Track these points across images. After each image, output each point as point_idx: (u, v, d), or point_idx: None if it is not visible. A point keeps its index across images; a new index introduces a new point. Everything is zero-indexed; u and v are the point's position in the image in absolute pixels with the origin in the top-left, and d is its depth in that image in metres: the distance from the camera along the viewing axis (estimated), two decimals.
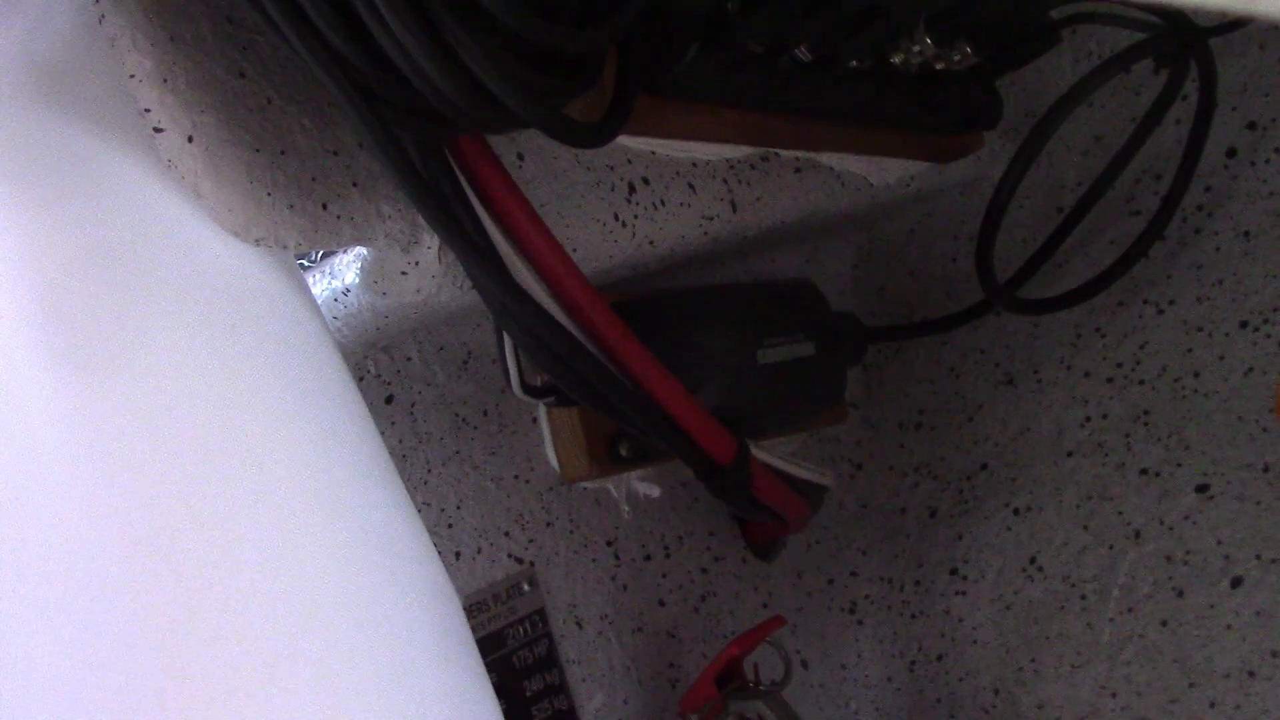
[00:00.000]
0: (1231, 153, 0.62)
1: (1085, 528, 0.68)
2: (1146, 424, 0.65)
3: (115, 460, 0.31)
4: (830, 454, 0.81)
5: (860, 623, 0.80)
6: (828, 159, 0.59)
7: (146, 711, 0.28)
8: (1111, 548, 0.66)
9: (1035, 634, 0.70)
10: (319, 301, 0.49)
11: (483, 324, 0.60)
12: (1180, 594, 0.63)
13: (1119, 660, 0.65)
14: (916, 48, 0.50)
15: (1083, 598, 0.68)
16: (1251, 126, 0.61)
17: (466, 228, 0.37)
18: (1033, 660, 0.70)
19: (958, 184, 0.70)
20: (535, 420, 0.63)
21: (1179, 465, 0.64)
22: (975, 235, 0.72)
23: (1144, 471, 0.65)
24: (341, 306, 0.49)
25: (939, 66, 0.52)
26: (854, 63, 0.50)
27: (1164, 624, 0.64)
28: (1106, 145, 0.66)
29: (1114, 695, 0.66)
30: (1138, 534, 0.65)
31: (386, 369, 0.57)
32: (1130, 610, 0.65)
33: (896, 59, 0.51)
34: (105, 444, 0.31)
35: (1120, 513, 0.66)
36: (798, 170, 0.57)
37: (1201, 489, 0.63)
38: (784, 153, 0.56)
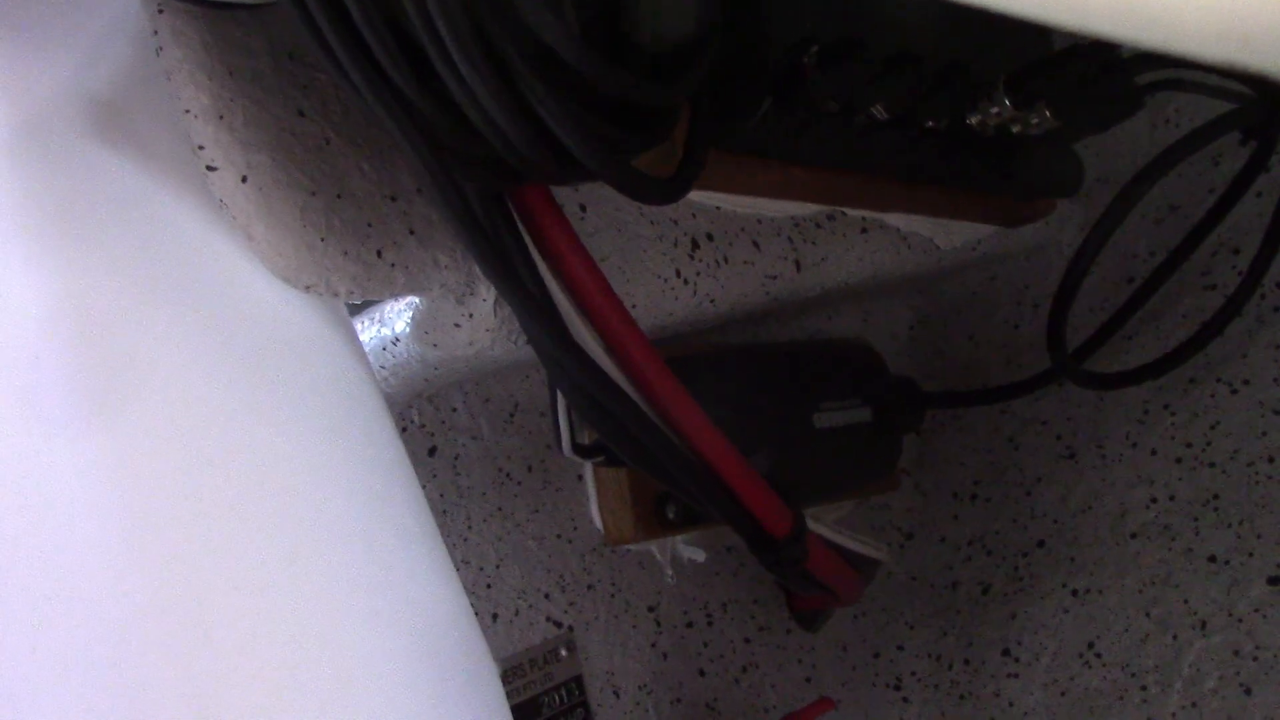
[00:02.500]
0: None
1: (1148, 614, 0.65)
2: (1216, 508, 0.62)
3: (144, 514, 0.29)
4: (879, 521, 0.79)
5: (906, 700, 0.77)
6: (895, 219, 0.57)
7: None
8: (1175, 637, 0.63)
9: None
10: (367, 349, 0.47)
11: (531, 375, 0.59)
12: (1248, 691, 0.60)
13: None
14: (995, 109, 0.49)
15: (1143, 689, 0.64)
16: None
17: (525, 282, 0.35)
18: None
19: (1024, 248, 0.68)
20: (581, 478, 0.61)
21: (1250, 554, 0.61)
22: (1039, 301, 0.69)
23: (1212, 559, 0.62)
24: (390, 356, 0.47)
25: (1015, 129, 0.50)
26: (930, 123, 0.48)
27: None
28: (1181, 215, 0.64)
29: None
30: (1204, 624, 0.62)
31: (431, 419, 0.55)
32: (1194, 705, 0.62)
33: (973, 120, 0.49)
34: (135, 496, 0.29)
35: (1186, 601, 0.63)
36: (864, 230, 0.55)
37: (1273, 581, 0.60)
38: (850, 212, 0.54)
